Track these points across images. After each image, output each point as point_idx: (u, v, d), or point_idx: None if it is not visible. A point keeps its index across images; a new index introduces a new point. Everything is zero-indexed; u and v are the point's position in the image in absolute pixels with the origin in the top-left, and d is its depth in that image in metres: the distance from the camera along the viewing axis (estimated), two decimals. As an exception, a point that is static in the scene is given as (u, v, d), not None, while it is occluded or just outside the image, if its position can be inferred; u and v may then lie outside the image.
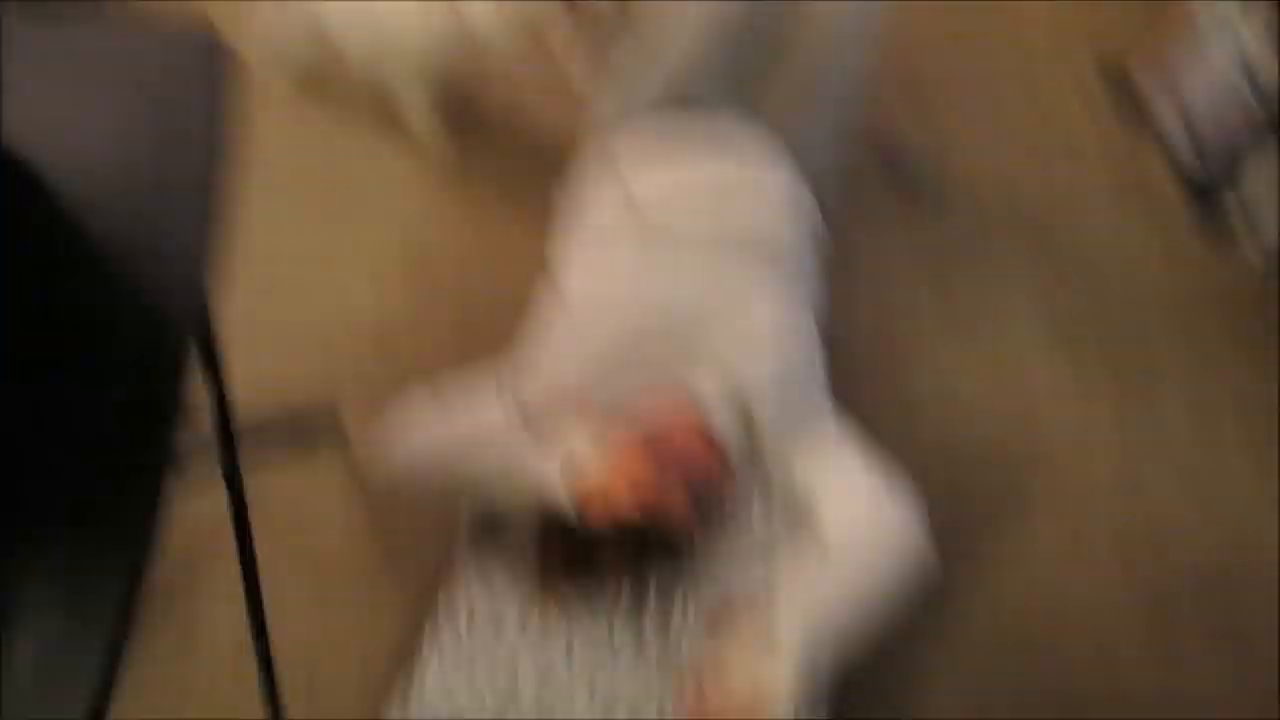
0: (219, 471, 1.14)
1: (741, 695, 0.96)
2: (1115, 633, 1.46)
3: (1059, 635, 1.45)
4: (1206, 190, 1.92)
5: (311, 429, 1.47)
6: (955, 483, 1.55)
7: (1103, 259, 1.88)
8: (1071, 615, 1.47)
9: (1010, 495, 1.57)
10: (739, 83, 1.45)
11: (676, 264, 1.27)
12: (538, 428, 1.13)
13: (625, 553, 1.10)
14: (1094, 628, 1.46)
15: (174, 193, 0.84)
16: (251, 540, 1.11)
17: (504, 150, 1.94)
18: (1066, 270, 1.85)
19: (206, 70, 0.93)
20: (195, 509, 1.04)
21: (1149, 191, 1.97)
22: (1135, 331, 1.79)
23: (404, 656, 1.29)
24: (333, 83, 1.89)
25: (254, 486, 1.12)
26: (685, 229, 1.30)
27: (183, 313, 0.79)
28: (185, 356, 0.77)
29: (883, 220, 1.88)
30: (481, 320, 1.65)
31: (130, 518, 0.69)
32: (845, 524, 1.11)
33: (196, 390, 0.80)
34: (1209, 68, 1.89)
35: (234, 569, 1.34)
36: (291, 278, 1.70)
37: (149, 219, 0.81)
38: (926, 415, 1.64)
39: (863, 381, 1.65)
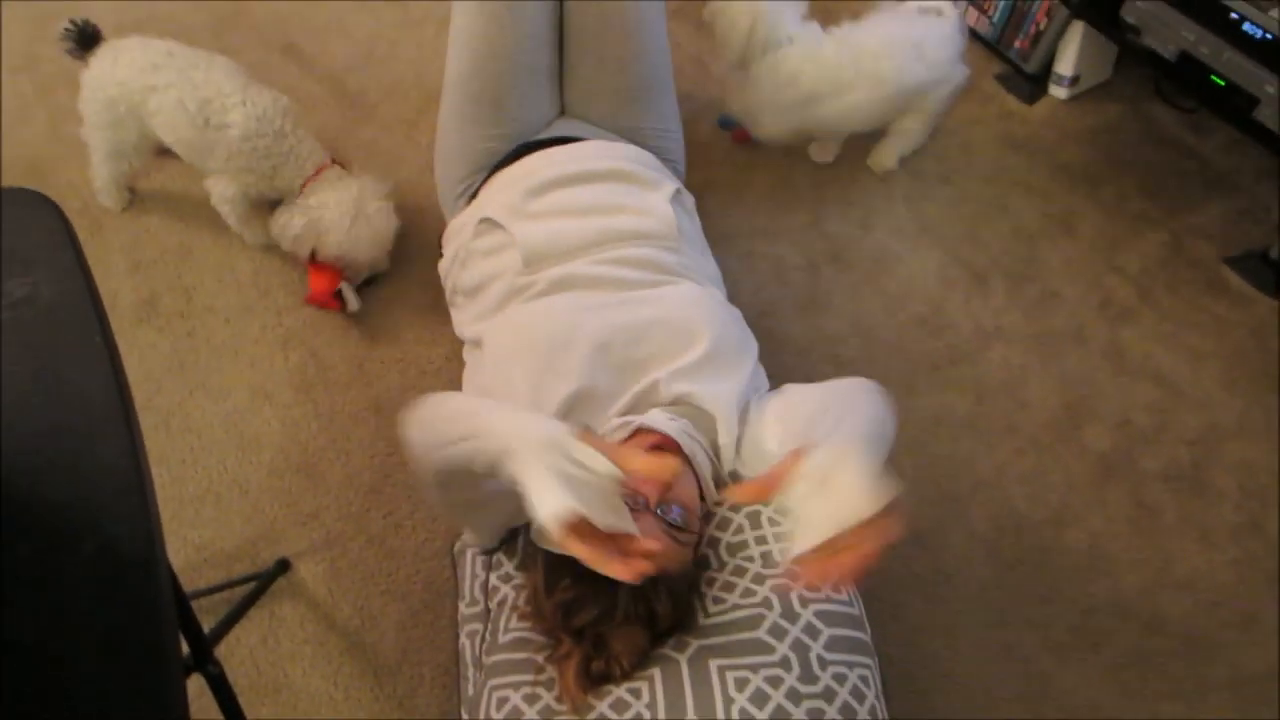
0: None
1: (839, 521, 0.87)
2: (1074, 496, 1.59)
3: (1012, 503, 1.56)
4: (1007, 56, 2.11)
5: (265, 582, 1.41)
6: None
7: (954, 159, 2.01)
8: (1025, 487, 1.58)
9: (935, 393, 1.67)
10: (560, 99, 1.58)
11: (589, 299, 1.31)
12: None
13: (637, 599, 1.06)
14: (1043, 492, 1.58)
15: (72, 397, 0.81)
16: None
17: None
18: (926, 178, 1.97)
19: (48, 230, 0.90)
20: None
21: (981, 91, 2.13)
22: (999, 217, 1.93)
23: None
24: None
25: (227, 658, 1.07)
26: (584, 268, 1.34)
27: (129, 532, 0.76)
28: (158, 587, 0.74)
29: (740, 173, 1.95)
30: (396, 416, 1.61)
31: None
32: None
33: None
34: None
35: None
36: (180, 422, 1.61)
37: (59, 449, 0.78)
38: (847, 353, 1.73)
39: (777, 337, 1.73)
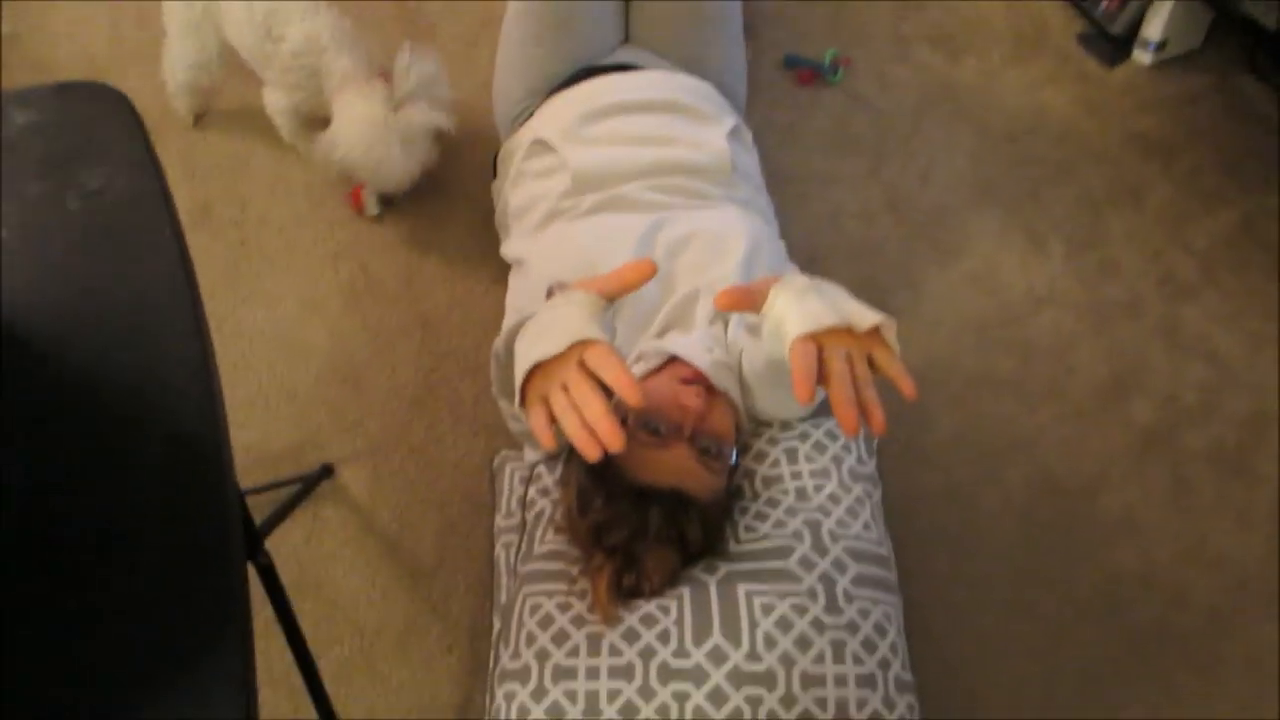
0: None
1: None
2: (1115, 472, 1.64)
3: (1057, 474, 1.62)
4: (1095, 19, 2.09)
5: (310, 484, 1.50)
6: (933, 358, 1.71)
7: (1024, 118, 2.02)
8: (1064, 452, 1.64)
9: (981, 352, 1.72)
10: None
11: (631, 218, 1.38)
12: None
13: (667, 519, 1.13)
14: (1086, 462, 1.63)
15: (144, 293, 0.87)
16: (297, 626, 1.15)
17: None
18: (992, 135, 1.99)
19: (120, 124, 0.96)
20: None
21: (1059, 50, 2.13)
22: (1064, 180, 1.94)
23: (469, 701, 1.37)
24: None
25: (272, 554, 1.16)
26: (629, 193, 1.40)
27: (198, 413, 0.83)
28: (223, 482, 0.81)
29: (801, 114, 1.99)
30: (442, 332, 1.70)
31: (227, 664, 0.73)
32: None
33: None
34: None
35: (270, 650, 1.39)
36: (232, 328, 1.70)
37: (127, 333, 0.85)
38: (895, 305, 1.77)
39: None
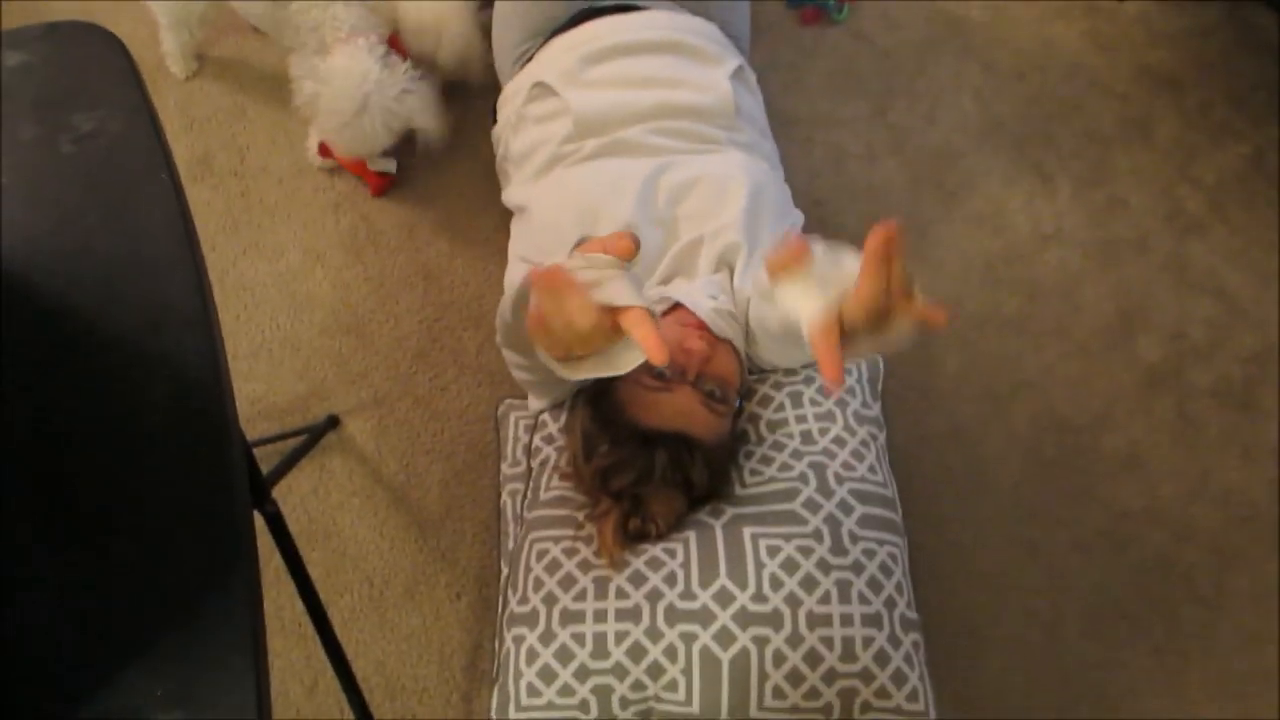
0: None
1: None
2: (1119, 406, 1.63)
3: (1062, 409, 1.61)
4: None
5: (316, 435, 1.50)
6: (939, 299, 1.66)
7: (1033, 54, 1.97)
8: (1069, 390, 1.63)
9: (987, 291, 1.70)
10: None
11: (634, 163, 1.35)
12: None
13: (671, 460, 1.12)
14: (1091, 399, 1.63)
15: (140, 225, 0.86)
16: (306, 573, 1.16)
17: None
18: (1000, 73, 1.94)
19: (112, 66, 0.94)
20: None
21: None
22: (1073, 117, 1.90)
23: (478, 647, 1.39)
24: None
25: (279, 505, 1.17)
26: (632, 136, 1.37)
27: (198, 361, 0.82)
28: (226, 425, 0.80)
29: (805, 55, 1.94)
30: (445, 282, 1.69)
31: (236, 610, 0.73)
32: None
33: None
34: None
35: (280, 599, 1.41)
36: (234, 280, 1.69)
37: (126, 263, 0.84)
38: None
39: (830, 226, 1.76)
